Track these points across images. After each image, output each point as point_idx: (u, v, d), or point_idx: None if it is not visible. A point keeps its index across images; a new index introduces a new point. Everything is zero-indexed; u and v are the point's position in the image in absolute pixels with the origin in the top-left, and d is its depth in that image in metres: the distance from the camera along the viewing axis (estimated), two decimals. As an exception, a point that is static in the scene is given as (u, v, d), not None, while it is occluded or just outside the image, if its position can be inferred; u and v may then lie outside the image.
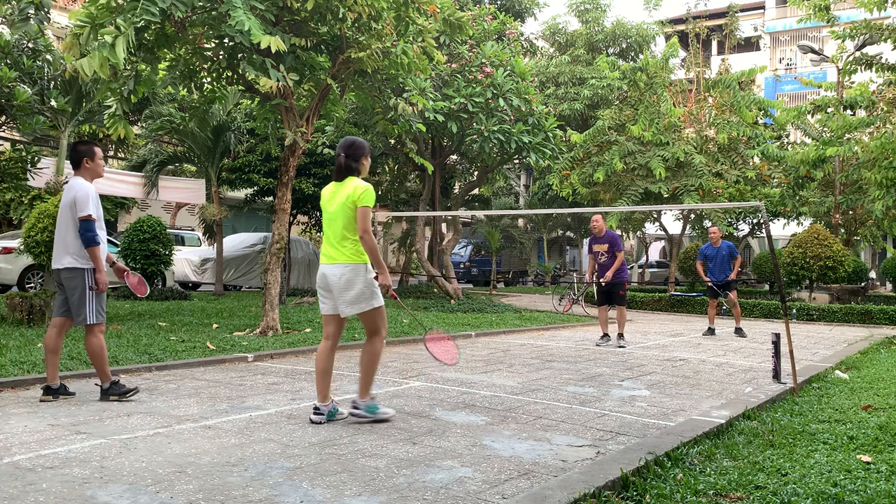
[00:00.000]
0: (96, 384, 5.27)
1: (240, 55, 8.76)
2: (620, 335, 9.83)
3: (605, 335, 9.91)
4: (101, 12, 7.38)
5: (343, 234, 4.56)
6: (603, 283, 9.73)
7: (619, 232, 25.61)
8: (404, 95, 11.96)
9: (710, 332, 11.49)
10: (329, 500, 3.13)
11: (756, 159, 18.30)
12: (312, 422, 4.56)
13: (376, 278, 4.61)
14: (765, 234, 14.38)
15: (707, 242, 11.83)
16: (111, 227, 22.84)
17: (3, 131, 12.67)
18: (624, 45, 27.02)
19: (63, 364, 6.20)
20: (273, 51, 7.50)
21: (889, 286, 26.42)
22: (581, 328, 12.67)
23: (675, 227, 23.46)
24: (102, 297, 5.20)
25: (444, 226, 20.20)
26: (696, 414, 5.12)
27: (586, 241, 12.16)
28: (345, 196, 4.57)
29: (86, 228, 5.01)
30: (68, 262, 5.08)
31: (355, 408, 4.64)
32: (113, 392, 5.12)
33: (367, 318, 4.63)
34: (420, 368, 7.12)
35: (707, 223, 22.78)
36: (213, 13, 8.21)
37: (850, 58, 13.98)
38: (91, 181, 5.27)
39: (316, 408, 4.63)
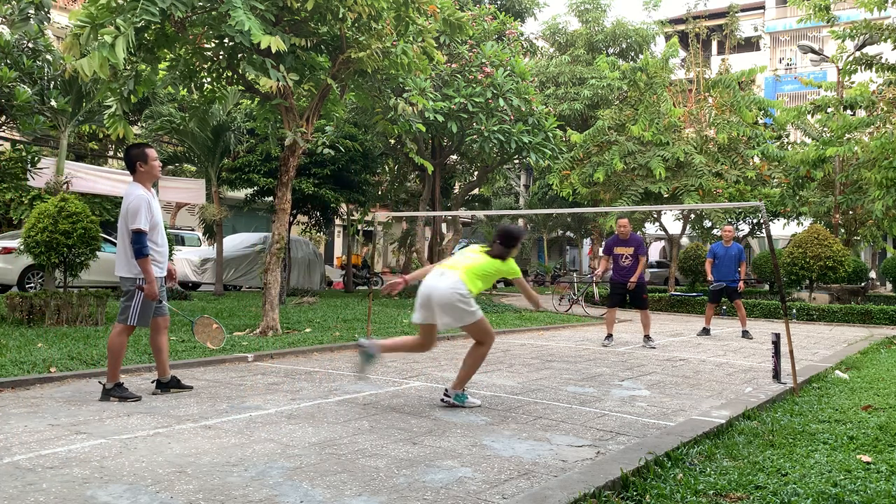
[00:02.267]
0: (100, 382, 5.28)
1: (240, 55, 8.76)
2: (647, 336, 9.75)
3: (610, 335, 9.90)
4: (101, 12, 7.38)
5: (471, 272, 5.21)
6: (629, 287, 9.69)
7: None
8: (404, 95, 11.97)
9: (705, 332, 11.50)
10: (329, 500, 3.13)
11: (756, 159, 18.30)
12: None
13: None
14: (765, 234, 14.38)
15: (718, 241, 11.80)
16: (111, 226, 22.81)
17: (3, 131, 12.67)
18: (624, 45, 27.03)
19: (62, 364, 6.20)
20: (273, 51, 7.50)
21: (889, 286, 26.42)
22: (581, 328, 12.67)
23: (675, 227, 23.46)
24: (151, 305, 5.27)
25: (444, 226, 20.20)
26: (696, 414, 5.12)
27: (587, 242, 12.09)
28: (490, 262, 5.32)
29: (135, 241, 5.10)
30: (124, 272, 5.23)
31: (446, 395, 5.31)
32: (115, 394, 5.14)
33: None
34: (420, 368, 7.13)
35: (707, 223, 22.81)
36: (213, 13, 8.21)
37: (850, 58, 13.98)
38: (149, 185, 5.38)
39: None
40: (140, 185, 5.29)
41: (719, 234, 22.81)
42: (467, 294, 5.10)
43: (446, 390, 5.34)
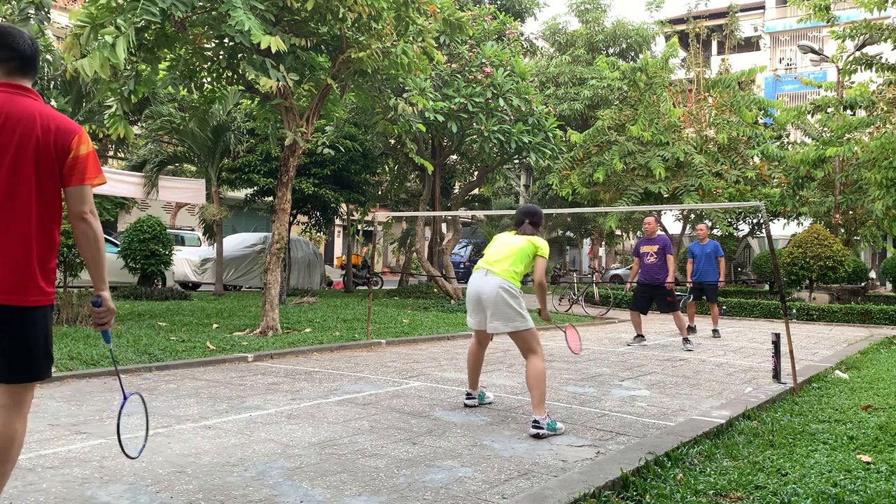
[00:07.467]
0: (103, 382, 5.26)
1: (240, 55, 8.77)
2: (686, 339, 9.52)
3: (640, 335, 9.84)
4: (101, 12, 7.39)
5: (515, 263, 4.85)
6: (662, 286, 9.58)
7: (618, 232, 25.64)
8: (404, 95, 11.95)
9: (691, 329, 11.52)
10: (329, 500, 3.13)
11: (756, 159, 18.29)
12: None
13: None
14: (765, 234, 14.38)
15: (695, 241, 11.87)
16: (111, 226, 22.81)
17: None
18: (624, 46, 27.01)
19: (62, 364, 6.20)
20: (273, 51, 7.50)
21: (889, 286, 26.39)
22: (581, 328, 12.66)
23: (675, 227, 23.46)
24: None
25: (444, 226, 20.19)
26: (696, 414, 5.12)
27: (587, 242, 12.04)
28: (528, 241, 4.93)
29: None
30: None
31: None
32: None
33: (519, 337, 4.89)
34: (420, 368, 7.12)
35: (707, 223, 22.79)
36: (213, 13, 8.21)
37: (850, 58, 13.98)
38: None
39: (468, 394, 5.28)
40: None
41: (720, 234, 22.85)
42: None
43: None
